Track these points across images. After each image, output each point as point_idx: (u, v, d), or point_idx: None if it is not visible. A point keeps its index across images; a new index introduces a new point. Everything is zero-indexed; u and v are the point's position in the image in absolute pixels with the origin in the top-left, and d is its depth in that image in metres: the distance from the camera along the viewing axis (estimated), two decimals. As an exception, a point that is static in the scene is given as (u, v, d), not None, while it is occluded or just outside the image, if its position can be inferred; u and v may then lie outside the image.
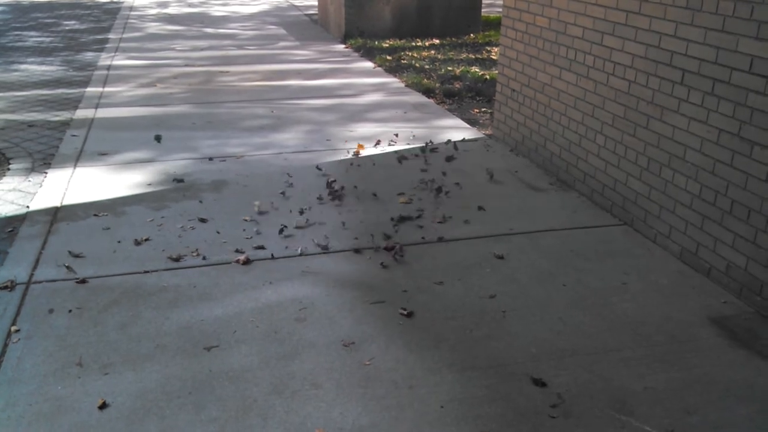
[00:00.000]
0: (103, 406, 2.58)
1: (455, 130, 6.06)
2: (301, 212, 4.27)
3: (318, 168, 5.01)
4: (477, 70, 8.43)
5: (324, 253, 3.78)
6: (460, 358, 2.90)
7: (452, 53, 9.56)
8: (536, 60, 5.02)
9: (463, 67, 8.56)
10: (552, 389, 2.71)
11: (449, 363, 2.87)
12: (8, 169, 5.03)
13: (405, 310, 3.23)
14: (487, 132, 6.02)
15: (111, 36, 10.87)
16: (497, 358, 2.90)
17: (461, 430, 2.50)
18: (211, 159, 5.20)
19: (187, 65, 8.68)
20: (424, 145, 5.56)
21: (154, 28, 11.70)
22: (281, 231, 4.00)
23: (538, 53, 4.99)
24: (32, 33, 11.20)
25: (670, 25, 3.66)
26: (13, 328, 3.05)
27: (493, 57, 9.26)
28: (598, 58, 4.28)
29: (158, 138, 5.38)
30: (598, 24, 4.26)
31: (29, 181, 4.80)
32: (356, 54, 9.58)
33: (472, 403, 2.63)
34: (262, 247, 3.82)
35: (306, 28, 11.84)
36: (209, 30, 11.51)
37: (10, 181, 4.79)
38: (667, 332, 3.09)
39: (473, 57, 9.31)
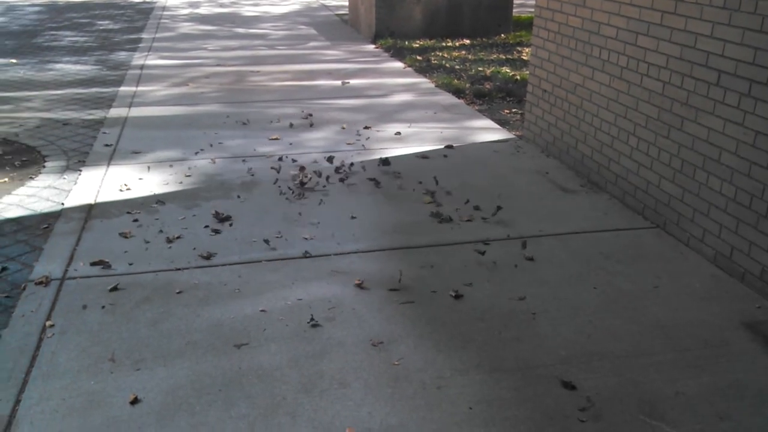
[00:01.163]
0: (134, 401, 2.62)
1: (486, 131, 6.04)
2: (331, 210, 4.29)
3: (349, 167, 5.02)
4: (508, 70, 8.39)
5: (354, 252, 3.79)
6: (488, 360, 2.88)
7: (483, 54, 9.52)
8: (568, 60, 4.98)
9: (493, 68, 8.52)
10: (581, 392, 2.69)
11: (477, 364, 2.85)
12: (44, 167, 5.12)
13: (455, 292, 3.33)
14: (518, 133, 5.99)
15: (144, 36, 11.01)
16: (526, 360, 2.89)
17: (490, 431, 2.49)
18: (243, 160, 5.25)
19: (218, 65, 8.76)
20: (453, 145, 5.56)
21: (186, 28, 11.83)
22: (311, 230, 4.02)
23: (570, 54, 4.95)
24: (67, 33, 11.39)
25: (706, 26, 3.61)
26: (47, 323, 3.10)
27: (524, 57, 9.21)
28: (632, 58, 4.24)
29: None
30: (632, 24, 4.21)
31: (64, 178, 4.88)
32: (386, 54, 9.59)
33: (501, 405, 2.62)
34: (291, 246, 3.84)
35: (336, 29, 11.88)
36: (240, 30, 11.60)
37: (46, 179, 4.88)
38: (700, 337, 3.05)
39: (504, 57, 9.27)
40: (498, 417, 2.56)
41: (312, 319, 3.13)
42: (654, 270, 3.62)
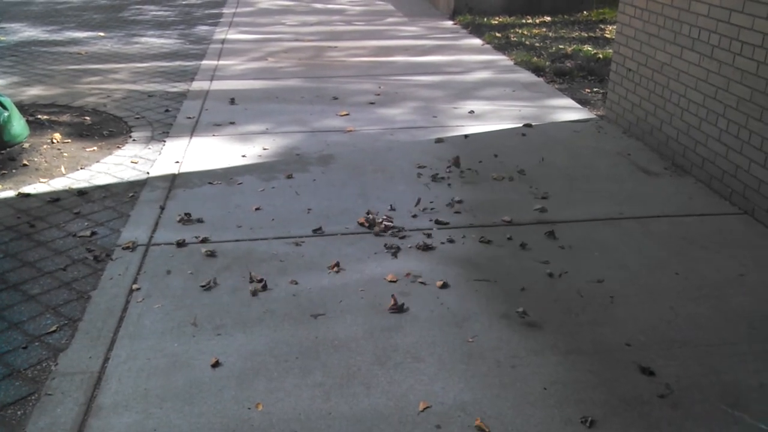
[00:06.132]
0: (215, 364, 2.70)
1: (566, 110, 5.92)
2: (405, 186, 4.30)
3: (424, 145, 5.01)
4: (590, 48, 8.18)
5: (428, 229, 3.79)
6: (564, 341, 2.85)
7: (564, 31, 9.31)
8: (656, 38, 4.82)
9: (575, 46, 8.32)
10: (660, 379, 2.63)
11: (553, 345, 2.83)
12: (130, 137, 5.30)
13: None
14: (600, 113, 5.84)
15: (225, 11, 11.19)
16: (603, 344, 2.84)
17: (564, 412, 2.47)
18: (320, 134, 5.30)
19: (296, 40, 8.84)
20: (532, 124, 5.47)
21: (265, 3, 11.97)
22: (386, 205, 4.04)
23: (658, 31, 4.78)
24: (151, 7, 11.69)
25: (807, 3, 3.43)
26: (134, 287, 3.22)
27: (607, 35, 8.96)
28: (725, 36, 4.06)
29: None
30: (725, 1, 4.03)
31: (149, 148, 5.04)
32: (465, 31, 9.48)
33: (576, 387, 2.59)
34: (369, 221, 3.86)
35: (414, 4, 11.80)
36: (318, 5, 11.66)
37: (132, 148, 5.05)
38: (788, 328, 2.93)
39: (586, 35, 9.03)
40: (573, 398, 2.53)
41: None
42: (740, 257, 3.50)
